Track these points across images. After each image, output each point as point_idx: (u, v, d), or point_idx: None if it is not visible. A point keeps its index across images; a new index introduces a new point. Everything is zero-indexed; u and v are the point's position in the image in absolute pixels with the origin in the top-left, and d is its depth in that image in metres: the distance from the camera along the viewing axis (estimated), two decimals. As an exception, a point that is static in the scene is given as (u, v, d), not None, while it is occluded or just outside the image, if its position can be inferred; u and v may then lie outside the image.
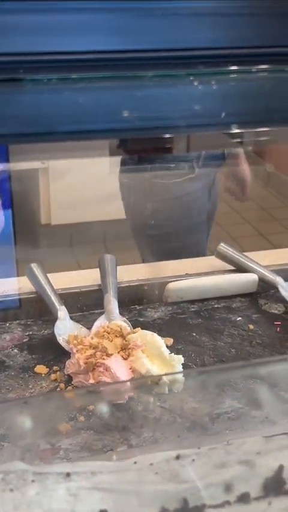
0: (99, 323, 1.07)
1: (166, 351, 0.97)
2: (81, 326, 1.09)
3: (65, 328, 1.06)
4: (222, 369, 0.86)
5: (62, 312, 1.07)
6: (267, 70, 0.48)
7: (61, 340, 1.04)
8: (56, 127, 0.44)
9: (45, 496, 0.47)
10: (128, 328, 1.02)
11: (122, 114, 0.45)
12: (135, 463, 0.52)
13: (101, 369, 0.96)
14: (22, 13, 0.44)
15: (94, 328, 1.06)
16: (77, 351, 1.00)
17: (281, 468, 0.50)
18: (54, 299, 1.08)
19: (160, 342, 0.97)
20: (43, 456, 0.81)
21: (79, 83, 0.44)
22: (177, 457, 0.51)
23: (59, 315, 1.07)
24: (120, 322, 1.04)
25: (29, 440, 0.78)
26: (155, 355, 0.96)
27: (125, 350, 0.95)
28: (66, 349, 1.03)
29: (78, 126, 0.44)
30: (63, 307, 1.07)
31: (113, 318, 1.07)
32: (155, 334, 1.00)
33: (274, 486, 0.50)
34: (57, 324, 1.06)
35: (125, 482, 0.50)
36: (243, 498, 0.50)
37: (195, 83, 0.44)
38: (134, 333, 0.99)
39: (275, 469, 0.50)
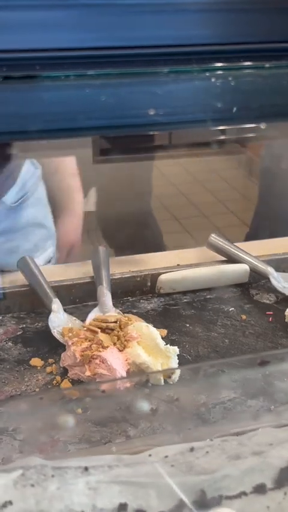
0: (93, 315, 1.07)
1: (161, 342, 0.97)
2: (75, 318, 1.09)
3: (59, 320, 1.06)
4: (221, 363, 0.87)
5: (56, 304, 1.07)
6: (277, 66, 0.48)
7: (55, 332, 1.04)
8: (71, 123, 0.44)
9: (65, 490, 0.48)
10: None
11: (137, 110, 0.45)
12: (150, 455, 0.52)
13: (97, 361, 0.97)
14: (38, 9, 0.44)
15: (88, 321, 1.06)
16: (72, 344, 1.00)
17: (294, 458, 0.51)
18: (47, 291, 1.08)
19: (155, 334, 0.98)
20: (42, 449, 0.81)
21: (95, 80, 0.44)
22: (192, 449, 0.52)
23: (52, 308, 1.07)
24: (114, 314, 1.04)
25: (27, 433, 0.78)
26: (151, 347, 0.97)
27: (121, 342, 0.96)
28: (61, 341, 1.03)
29: (94, 122, 0.44)
30: (57, 300, 1.07)
31: (107, 310, 1.07)
32: (150, 326, 1.00)
33: (289, 476, 0.51)
34: (51, 316, 1.06)
35: (142, 475, 0.50)
36: (259, 489, 0.51)
37: (212, 79, 0.45)
38: (129, 322, 0.99)
39: (288, 459, 0.51)
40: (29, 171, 1.26)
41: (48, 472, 0.49)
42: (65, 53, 0.44)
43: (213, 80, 0.46)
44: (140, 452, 0.54)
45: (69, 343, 1.00)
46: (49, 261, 1.39)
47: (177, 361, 0.98)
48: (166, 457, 0.53)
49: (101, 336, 0.99)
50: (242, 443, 0.54)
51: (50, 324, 1.06)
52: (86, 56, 0.44)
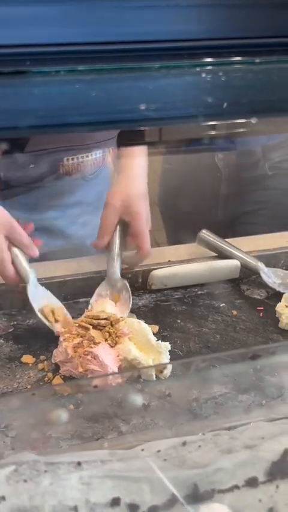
0: (100, 290, 1.09)
1: (153, 338, 0.98)
2: (51, 294, 1.09)
3: (37, 294, 1.07)
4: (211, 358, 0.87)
5: (32, 275, 1.06)
6: (274, 61, 0.48)
7: (36, 309, 1.05)
8: (63, 119, 0.44)
9: (59, 485, 0.48)
10: (118, 316, 1.03)
11: (129, 105, 0.45)
12: (142, 450, 0.52)
13: (88, 357, 0.97)
14: (28, 4, 0.43)
15: (95, 296, 1.08)
16: (64, 340, 1.00)
17: (286, 452, 0.51)
18: (25, 265, 1.07)
19: (147, 330, 0.98)
20: (35, 445, 0.81)
21: (86, 75, 0.44)
22: (184, 444, 0.52)
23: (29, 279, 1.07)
24: (106, 312, 1.04)
25: (19, 430, 0.78)
26: (142, 343, 0.97)
27: (112, 338, 0.96)
28: (42, 320, 1.03)
29: (85, 118, 0.44)
30: (33, 270, 1.07)
31: (114, 282, 1.10)
32: (142, 322, 1.00)
33: (281, 470, 0.51)
34: (29, 289, 1.06)
35: (135, 470, 0.50)
36: (251, 482, 0.51)
37: (203, 74, 0.45)
38: (121, 319, 1.00)
39: (280, 453, 0.51)
40: (103, 145, 1.28)
41: (41, 468, 0.49)
42: (55, 48, 0.44)
43: (204, 75, 0.46)
44: (132, 447, 0.54)
45: (61, 339, 1.00)
46: None
47: (169, 356, 0.98)
48: (159, 451, 0.53)
49: (93, 332, 0.99)
50: (234, 437, 0.54)
51: (29, 296, 1.06)
52: (77, 51, 0.44)
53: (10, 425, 0.82)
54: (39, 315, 1.05)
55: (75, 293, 1.17)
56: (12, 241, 1.05)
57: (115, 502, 0.49)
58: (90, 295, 1.14)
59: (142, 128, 0.51)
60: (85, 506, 0.48)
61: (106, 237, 1.13)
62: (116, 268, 1.12)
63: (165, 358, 0.96)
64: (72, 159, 1.22)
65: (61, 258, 1.24)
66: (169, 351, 1.00)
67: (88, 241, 1.30)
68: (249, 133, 0.85)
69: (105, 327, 1.01)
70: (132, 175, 1.16)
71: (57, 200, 1.28)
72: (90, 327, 1.01)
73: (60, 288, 1.15)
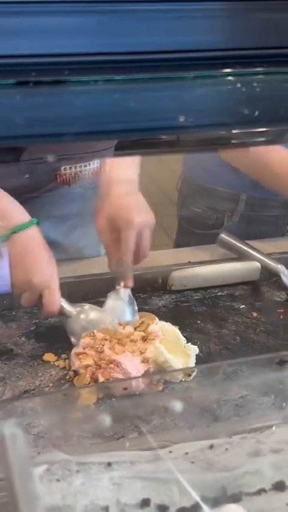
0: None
1: (183, 341, 0.98)
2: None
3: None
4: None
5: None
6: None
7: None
8: (101, 127, 0.45)
9: (90, 485, 0.49)
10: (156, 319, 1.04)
11: (164, 114, 0.46)
12: (170, 452, 0.53)
13: (111, 365, 0.97)
14: (68, 15, 0.44)
15: (106, 308, 1.07)
16: (77, 356, 0.99)
17: (313, 456, 0.52)
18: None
19: (177, 332, 0.99)
20: (57, 444, 0.82)
21: (123, 84, 0.45)
22: (211, 447, 0.53)
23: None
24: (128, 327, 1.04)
25: (42, 428, 0.79)
26: (172, 345, 0.98)
27: (143, 341, 0.96)
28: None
29: (121, 126, 0.45)
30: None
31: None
32: (172, 326, 1.01)
33: (308, 474, 0.52)
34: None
35: (164, 471, 0.51)
36: (278, 486, 0.52)
37: (238, 84, 0.45)
38: (150, 322, 1.00)
39: (307, 457, 0.52)
40: (105, 154, 1.26)
41: (73, 468, 0.50)
42: (93, 58, 0.45)
43: (238, 84, 0.47)
44: (153, 448, 0.55)
45: (73, 355, 1.00)
46: None
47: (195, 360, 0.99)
48: (186, 453, 0.54)
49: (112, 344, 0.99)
50: (260, 441, 0.55)
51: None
52: (114, 60, 0.45)
53: (32, 423, 0.83)
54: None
55: (95, 292, 1.17)
56: None
57: (145, 502, 0.50)
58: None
59: (173, 135, 0.52)
60: (116, 507, 0.49)
61: (129, 259, 1.09)
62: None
63: (193, 361, 0.97)
64: (70, 168, 1.19)
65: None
66: (191, 352, 1.01)
67: (86, 251, 1.29)
68: (280, 141, 0.86)
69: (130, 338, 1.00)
70: (111, 184, 1.13)
71: (53, 211, 1.25)
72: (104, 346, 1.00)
73: (80, 287, 1.16)
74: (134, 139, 0.49)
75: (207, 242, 1.29)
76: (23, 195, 1.16)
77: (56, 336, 1.08)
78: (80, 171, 1.23)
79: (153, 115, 0.46)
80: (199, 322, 1.12)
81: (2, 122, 0.43)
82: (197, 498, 0.46)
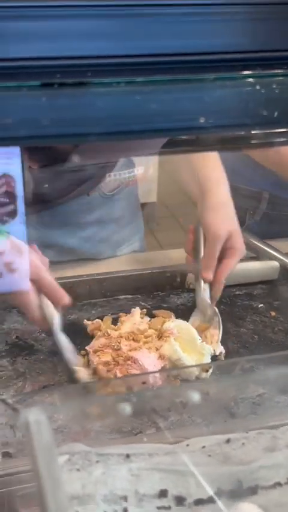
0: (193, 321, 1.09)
1: (198, 340, 0.99)
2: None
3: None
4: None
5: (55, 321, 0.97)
6: None
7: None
8: (122, 127, 0.46)
9: (109, 475, 0.50)
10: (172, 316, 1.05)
11: (184, 115, 0.47)
12: (187, 445, 0.54)
13: (129, 362, 0.98)
14: (90, 18, 0.46)
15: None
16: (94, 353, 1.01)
17: None
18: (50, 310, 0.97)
19: (193, 331, 1.00)
20: (76, 438, 0.84)
21: (145, 86, 0.46)
22: (228, 441, 0.54)
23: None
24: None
25: (60, 423, 0.80)
26: (187, 343, 0.99)
27: (159, 336, 0.98)
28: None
29: (142, 127, 0.47)
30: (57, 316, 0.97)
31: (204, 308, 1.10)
32: (189, 324, 1.02)
33: None
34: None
35: (181, 464, 0.52)
36: (294, 479, 0.53)
37: (257, 86, 0.46)
38: (165, 319, 1.01)
39: None
40: (124, 164, 1.27)
41: (93, 458, 0.51)
42: (115, 60, 0.46)
43: (257, 86, 0.48)
44: (178, 442, 0.56)
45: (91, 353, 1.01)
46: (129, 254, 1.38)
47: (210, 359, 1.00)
48: (203, 447, 0.55)
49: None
50: (276, 436, 0.56)
51: None
52: (136, 63, 0.46)
53: (52, 418, 0.85)
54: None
55: (114, 290, 1.19)
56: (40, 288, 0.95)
57: (163, 493, 0.51)
58: (129, 291, 1.16)
59: (194, 137, 0.53)
60: (134, 497, 0.50)
61: (212, 269, 1.09)
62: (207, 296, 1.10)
63: (207, 360, 0.98)
64: (115, 175, 1.22)
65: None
66: (207, 349, 1.02)
67: (101, 257, 1.29)
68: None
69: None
70: (226, 203, 1.14)
71: (71, 219, 1.26)
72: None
73: (99, 285, 1.18)
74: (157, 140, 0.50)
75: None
76: (49, 203, 1.18)
77: (76, 333, 1.09)
78: (125, 178, 1.25)
79: (174, 116, 0.47)
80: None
81: (28, 123, 0.45)
82: (210, 492, 0.47)
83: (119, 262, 1.24)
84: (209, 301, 1.09)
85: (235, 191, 1.48)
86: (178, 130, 0.48)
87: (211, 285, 1.09)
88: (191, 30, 0.47)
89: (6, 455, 0.82)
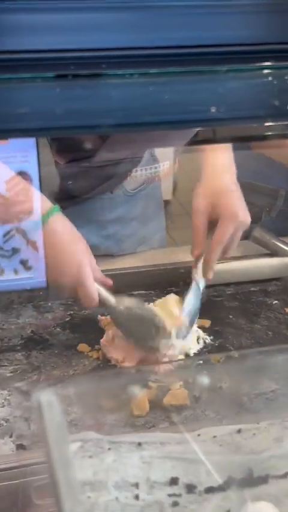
0: None
1: (176, 312, 1.00)
2: None
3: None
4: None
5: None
6: None
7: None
8: (136, 119, 0.47)
9: (121, 463, 0.51)
10: None
11: (198, 107, 0.47)
12: (198, 435, 0.55)
13: None
14: (104, 11, 0.46)
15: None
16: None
17: None
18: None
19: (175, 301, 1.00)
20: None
21: (158, 78, 0.47)
22: (239, 431, 0.55)
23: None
24: None
25: (74, 416, 0.81)
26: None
27: None
28: None
29: (156, 118, 0.47)
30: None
31: None
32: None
33: None
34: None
35: (192, 452, 0.53)
36: (304, 469, 0.53)
37: (269, 77, 0.47)
38: None
39: None
40: (148, 162, 1.27)
41: (105, 446, 0.52)
42: (129, 52, 0.47)
43: (270, 78, 0.48)
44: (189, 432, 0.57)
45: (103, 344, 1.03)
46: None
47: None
48: (214, 437, 0.56)
49: None
50: (287, 427, 0.56)
51: None
52: (149, 54, 0.47)
53: (66, 410, 0.85)
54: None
55: (128, 286, 1.19)
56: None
57: (174, 481, 0.52)
58: (143, 288, 1.17)
59: (208, 129, 0.54)
60: (146, 484, 0.51)
61: (200, 247, 1.06)
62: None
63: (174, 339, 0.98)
64: (141, 169, 1.21)
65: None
66: (221, 347, 1.02)
67: (123, 253, 1.30)
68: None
69: None
70: (217, 169, 1.09)
71: (95, 216, 1.26)
72: None
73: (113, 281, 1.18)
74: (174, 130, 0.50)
75: (244, 237, 1.29)
76: (68, 200, 1.19)
77: (90, 327, 1.10)
78: (149, 175, 1.25)
79: (187, 107, 0.48)
80: (231, 316, 1.13)
81: (42, 114, 0.46)
82: (221, 480, 0.48)
83: (134, 259, 1.25)
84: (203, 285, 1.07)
85: (251, 189, 1.48)
86: (191, 122, 0.48)
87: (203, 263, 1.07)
88: (205, 22, 0.48)
89: (21, 447, 0.83)
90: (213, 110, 0.46)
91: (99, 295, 0.99)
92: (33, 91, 0.46)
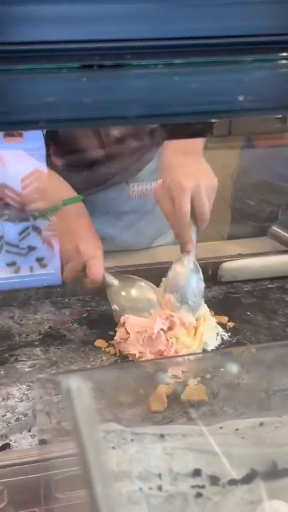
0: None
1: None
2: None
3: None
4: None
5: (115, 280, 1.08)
6: None
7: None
8: (160, 110, 0.47)
9: (144, 454, 0.51)
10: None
11: (223, 97, 0.47)
12: (221, 428, 0.55)
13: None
14: (127, 1, 0.46)
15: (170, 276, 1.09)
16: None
17: None
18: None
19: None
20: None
21: (182, 68, 0.47)
22: (261, 424, 0.54)
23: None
24: None
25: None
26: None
27: None
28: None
29: (180, 109, 0.47)
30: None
31: None
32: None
33: None
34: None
35: (215, 445, 0.53)
36: None
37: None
38: None
39: None
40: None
41: (128, 437, 0.52)
42: (153, 43, 0.47)
43: (295, 68, 0.48)
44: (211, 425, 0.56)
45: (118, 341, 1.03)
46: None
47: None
48: (237, 430, 0.55)
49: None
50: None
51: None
52: (174, 45, 0.47)
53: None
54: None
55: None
56: None
57: (197, 472, 0.52)
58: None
59: (229, 119, 0.53)
60: (168, 475, 0.51)
61: (186, 224, 1.07)
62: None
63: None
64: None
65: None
66: (238, 343, 1.02)
67: (137, 248, 1.31)
68: None
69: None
70: (166, 159, 1.11)
71: (111, 208, 1.27)
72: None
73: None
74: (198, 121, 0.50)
75: (260, 235, 1.29)
76: (85, 190, 1.20)
77: (108, 323, 1.10)
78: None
79: (212, 98, 0.47)
80: (249, 313, 1.13)
81: (68, 104, 0.46)
82: (244, 472, 0.47)
83: (151, 254, 1.25)
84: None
85: (269, 187, 1.48)
86: (216, 112, 0.48)
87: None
88: (229, 12, 0.47)
89: (43, 441, 0.84)
90: (238, 100, 0.46)
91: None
92: (58, 82, 0.46)
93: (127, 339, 1.01)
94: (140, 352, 0.99)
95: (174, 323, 1.00)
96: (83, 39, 0.46)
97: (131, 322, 1.01)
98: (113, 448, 0.52)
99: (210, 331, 1.02)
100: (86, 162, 1.17)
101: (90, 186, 1.20)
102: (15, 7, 0.42)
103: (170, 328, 1.00)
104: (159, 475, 0.51)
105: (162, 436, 0.53)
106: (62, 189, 1.06)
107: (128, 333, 1.00)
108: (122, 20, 0.47)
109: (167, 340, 0.98)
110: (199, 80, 0.47)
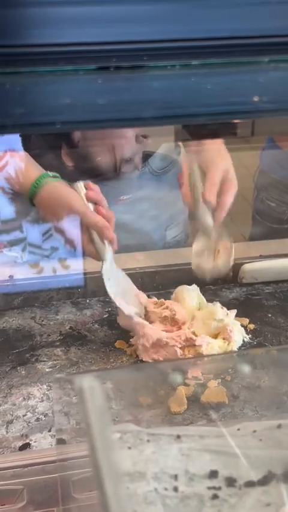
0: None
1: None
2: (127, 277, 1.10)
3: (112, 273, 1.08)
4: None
5: (108, 253, 1.06)
6: None
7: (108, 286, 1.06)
8: (178, 110, 0.47)
9: (160, 454, 0.51)
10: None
11: (240, 98, 0.47)
12: (238, 429, 0.55)
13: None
14: (145, 3, 0.46)
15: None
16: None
17: None
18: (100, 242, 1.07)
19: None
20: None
21: (199, 69, 0.47)
22: (279, 426, 0.54)
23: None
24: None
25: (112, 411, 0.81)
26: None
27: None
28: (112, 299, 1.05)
29: (198, 109, 0.47)
30: (110, 249, 1.06)
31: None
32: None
33: None
34: (104, 267, 1.06)
35: (232, 446, 0.53)
36: None
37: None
38: None
39: None
40: (170, 143, 1.31)
41: (144, 437, 0.52)
42: (170, 44, 0.47)
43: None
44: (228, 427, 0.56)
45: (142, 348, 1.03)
46: (176, 236, 1.41)
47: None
48: (254, 431, 0.55)
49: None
50: None
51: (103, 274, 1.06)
52: (190, 46, 0.47)
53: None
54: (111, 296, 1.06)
55: (166, 283, 1.19)
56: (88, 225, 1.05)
57: (213, 474, 0.52)
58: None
59: (247, 120, 0.53)
60: (185, 476, 0.51)
61: (215, 193, 1.09)
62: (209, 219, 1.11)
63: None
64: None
65: (126, 251, 1.23)
66: (259, 345, 1.01)
67: (153, 235, 1.31)
68: None
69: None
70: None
71: (125, 195, 1.29)
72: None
73: (151, 278, 1.19)
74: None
75: (282, 236, 1.28)
76: (98, 177, 1.21)
77: (128, 325, 1.10)
78: (173, 157, 1.27)
79: (229, 99, 0.47)
80: (270, 315, 1.12)
81: (85, 106, 0.46)
82: (259, 474, 0.47)
83: (168, 255, 1.25)
84: (211, 223, 1.09)
85: (284, 186, 1.46)
86: (232, 113, 0.48)
87: (213, 210, 1.09)
88: (246, 13, 0.47)
89: (61, 441, 0.84)
90: (255, 100, 0.46)
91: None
92: (75, 83, 0.46)
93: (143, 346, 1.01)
94: (158, 356, 0.99)
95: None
96: (100, 41, 0.46)
97: (146, 331, 1.01)
98: (129, 448, 0.52)
99: (239, 336, 1.02)
100: (96, 151, 1.19)
101: (101, 174, 1.22)
102: (33, 9, 0.43)
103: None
104: (175, 476, 0.51)
105: (178, 437, 0.53)
106: (40, 168, 1.07)
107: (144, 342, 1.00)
108: (138, 21, 0.47)
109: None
110: (216, 81, 0.47)
